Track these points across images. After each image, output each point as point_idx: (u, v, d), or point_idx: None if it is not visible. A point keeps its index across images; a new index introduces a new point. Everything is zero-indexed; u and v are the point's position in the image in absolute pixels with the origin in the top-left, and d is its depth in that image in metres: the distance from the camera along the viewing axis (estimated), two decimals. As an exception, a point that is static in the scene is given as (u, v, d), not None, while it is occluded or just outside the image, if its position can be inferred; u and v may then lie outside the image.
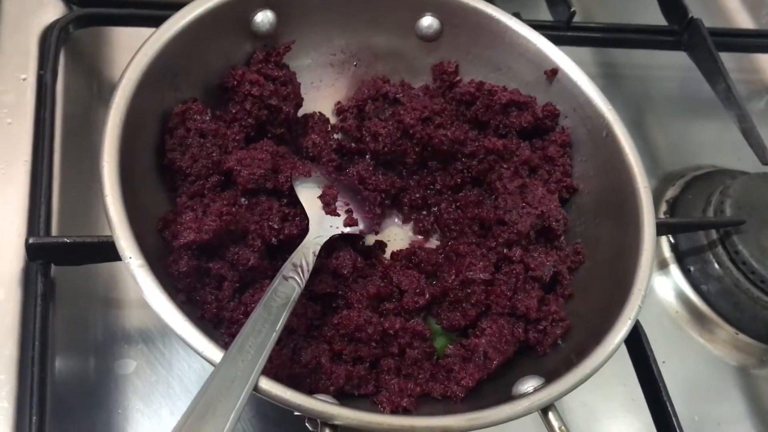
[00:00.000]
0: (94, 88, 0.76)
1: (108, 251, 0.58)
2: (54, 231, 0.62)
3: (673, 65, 1.00)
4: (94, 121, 0.73)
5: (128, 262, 0.47)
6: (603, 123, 0.65)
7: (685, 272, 0.82)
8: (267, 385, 0.45)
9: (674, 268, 0.83)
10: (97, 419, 0.59)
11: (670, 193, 0.88)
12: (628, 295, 0.55)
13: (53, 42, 0.69)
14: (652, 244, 0.58)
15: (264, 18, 0.64)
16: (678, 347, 0.79)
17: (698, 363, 0.79)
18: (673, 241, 0.84)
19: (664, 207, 0.87)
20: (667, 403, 0.64)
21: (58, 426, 0.56)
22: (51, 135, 0.65)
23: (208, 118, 0.59)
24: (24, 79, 0.69)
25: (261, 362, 0.45)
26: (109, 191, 0.49)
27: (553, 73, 0.68)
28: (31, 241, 0.58)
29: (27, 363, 0.56)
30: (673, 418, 0.63)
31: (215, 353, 0.45)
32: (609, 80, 0.99)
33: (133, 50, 0.56)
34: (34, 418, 0.53)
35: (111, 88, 0.74)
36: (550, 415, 0.50)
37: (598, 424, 0.71)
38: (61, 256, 0.60)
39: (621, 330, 0.53)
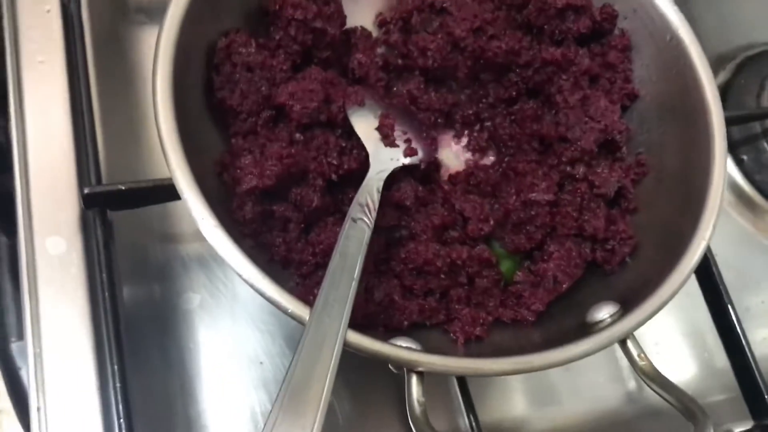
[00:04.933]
0: (120, 6, 0.72)
1: (163, 193, 0.58)
2: (103, 171, 0.61)
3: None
4: (124, 44, 0.70)
5: (201, 223, 0.46)
6: (667, 26, 0.60)
7: (738, 162, 0.81)
8: (355, 338, 0.45)
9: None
10: (169, 351, 0.61)
11: (721, 78, 0.84)
12: (700, 212, 0.54)
13: (73, -34, 0.65)
14: (723, 157, 0.56)
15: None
16: (729, 238, 0.79)
17: (751, 254, 0.79)
18: (724, 130, 0.82)
19: (714, 95, 0.83)
20: (729, 306, 0.64)
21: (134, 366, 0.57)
22: (86, 70, 0.63)
23: (253, 50, 0.56)
24: (48, 11, 0.65)
25: (346, 315, 0.45)
26: (170, 148, 0.48)
27: (611, -31, 0.63)
28: (86, 191, 0.57)
29: (99, 312, 0.57)
30: (736, 324, 0.64)
31: (303, 310, 0.45)
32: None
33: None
34: (115, 366, 0.54)
35: (137, 5, 0.72)
36: (629, 343, 0.51)
37: (652, 321, 0.72)
38: (116, 203, 0.59)
39: (696, 251, 0.53)
